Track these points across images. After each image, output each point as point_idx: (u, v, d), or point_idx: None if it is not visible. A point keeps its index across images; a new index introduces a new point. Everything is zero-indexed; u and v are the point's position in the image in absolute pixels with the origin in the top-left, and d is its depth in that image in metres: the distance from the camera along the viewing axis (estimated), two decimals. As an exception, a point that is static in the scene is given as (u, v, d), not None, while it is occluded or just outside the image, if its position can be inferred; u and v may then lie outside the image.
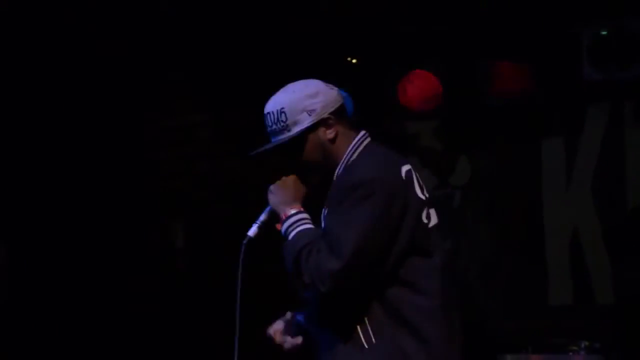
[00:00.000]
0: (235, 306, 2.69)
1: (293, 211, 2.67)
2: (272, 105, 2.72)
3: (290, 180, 2.73)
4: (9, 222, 4.95)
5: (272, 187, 2.74)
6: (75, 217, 6.01)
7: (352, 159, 2.69)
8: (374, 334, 2.55)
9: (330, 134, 2.68)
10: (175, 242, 6.32)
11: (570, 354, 4.63)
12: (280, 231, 2.70)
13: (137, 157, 6.41)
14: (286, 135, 2.68)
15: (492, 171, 5.84)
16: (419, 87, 5.52)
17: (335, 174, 2.70)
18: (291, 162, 2.72)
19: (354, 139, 2.72)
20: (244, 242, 2.72)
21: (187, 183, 6.28)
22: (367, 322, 2.56)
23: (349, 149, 2.70)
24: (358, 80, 5.71)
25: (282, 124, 2.69)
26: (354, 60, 5.71)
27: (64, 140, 6.03)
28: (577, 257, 5.54)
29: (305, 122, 2.67)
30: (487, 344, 5.47)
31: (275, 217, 2.74)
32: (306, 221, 2.65)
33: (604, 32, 5.11)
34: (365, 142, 2.73)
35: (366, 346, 2.55)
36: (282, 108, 2.69)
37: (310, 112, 2.68)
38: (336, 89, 2.76)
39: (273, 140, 2.71)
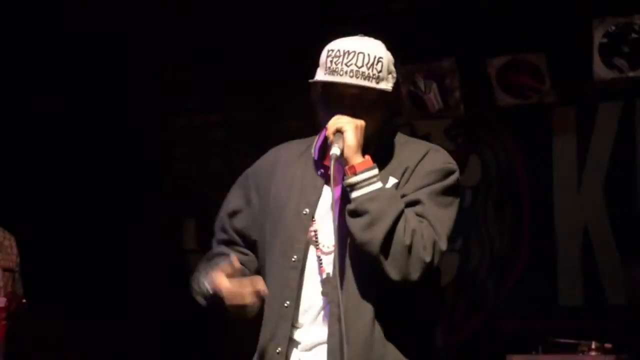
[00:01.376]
0: None
1: (372, 162, 2.43)
2: (367, 47, 2.51)
3: (362, 125, 2.47)
4: (23, 228, 4.97)
5: (346, 124, 2.45)
6: (88, 217, 6.03)
7: (398, 139, 2.57)
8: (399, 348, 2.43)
9: (396, 106, 2.59)
10: (187, 242, 6.33)
11: (581, 354, 4.63)
12: (343, 174, 2.42)
13: (151, 158, 6.42)
14: (378, 85, 2.48)
15: (503, 171, 5.83)
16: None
17: (376, 149, 2.51)
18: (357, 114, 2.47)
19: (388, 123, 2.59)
20: (333, 160, 2.41)
21: (200, 183, 6.29)
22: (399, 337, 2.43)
23: (395, 131, 2.60)
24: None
25: (375, 71, 2.49)
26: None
27: (78, 140, 6.05)
28: (587, 257, 5.53)
29: (389, 84, 2.51)
30: (497, 344, 5.47)
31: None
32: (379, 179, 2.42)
33: (615, 30, 5.09)
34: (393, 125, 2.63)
35: (408, 342, 2.44)
36: (380, 57, 2.51)
37: (393, 79, 2.54)
38: None
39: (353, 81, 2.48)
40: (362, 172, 2.41)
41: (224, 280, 2.47)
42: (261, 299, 2.47)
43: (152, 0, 5.41)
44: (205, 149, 6.43)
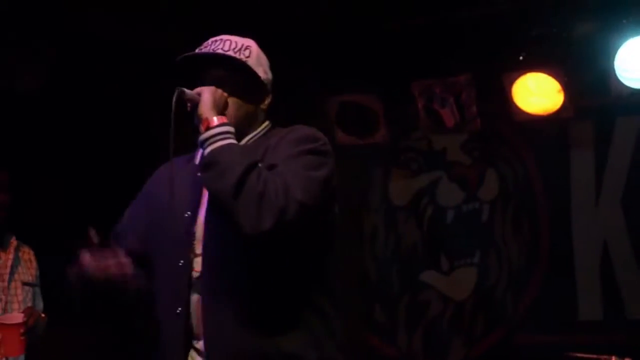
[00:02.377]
0: None
1: (227, 120, 2.42)
2: (234, 37, 2.58)
3: (222, 94, 2.49)
4: (40, 242, 4.99)
5: (205, 87, 2.47)
6: (101, 225, 6.04)
7: (263, 135, 2.58)
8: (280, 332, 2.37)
9: (265, 105, 2.60)
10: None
11: (600, 369, 4.59)
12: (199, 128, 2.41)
13: (154, 165, 6.43)
14: (243, 61, 2.52)
15: (520, 185, 5.82)
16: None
17: (252, 136, 2.56)
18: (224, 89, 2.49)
19: (263, 121, 2.62)
20: (176, 92, 2.44)
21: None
22: (279, 323, 2.38)
23: (261, 127, 2.60)
24: (385, 95, 5.73)
25: (243, 55, 2.54)
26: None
27: (85, 148, 6.07)
28: (607, 271, 5.50)
29: (262, 76, 2.56)
30: (516, 358, 5.45)
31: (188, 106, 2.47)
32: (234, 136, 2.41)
33: (633, 45, 5.08)
34: (271, 127, 2.64)
35: (285, 327, 2.38)
36: (249, 46, 2.58)
37: (266, 72, 2.60)
38: None
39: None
40: (215, 127, 2.39)
41: (86, 256, 2.50)
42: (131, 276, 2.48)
43: (166, 13, 5.44)
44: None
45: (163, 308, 2.50)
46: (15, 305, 4.44)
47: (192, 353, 2.46)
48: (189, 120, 2.52)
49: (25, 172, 5.58)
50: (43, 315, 4.55)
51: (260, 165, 2.33)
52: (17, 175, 4.78)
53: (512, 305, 5.72)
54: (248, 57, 2.55)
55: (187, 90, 2.47)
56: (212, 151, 2.35)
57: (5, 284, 4.47)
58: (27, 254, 4.66)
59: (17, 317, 4.27)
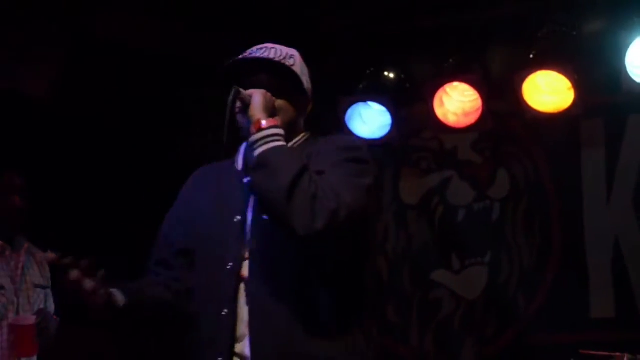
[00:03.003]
0: None
1: (278, 122, 2.45)
2: (278, 46, 2.61)
3: (272, 98, 2.52)
4: (48, 239, 5.01)
5: (256, 90, 2.50)
6: (109, 236, 6.06)
7: (311, 138, 2.63)
8: (330, 331, 2.40)
9: (305, 114, 2.65)
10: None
11: (613, 367, 4.58)
12: (250, 129, 2.42)
13: (165, 175, 6.44)
14: (290, 67, 2.57)
15: (531, 184, 5.81)
16: (457, 100, 5.51)
17: (295, 142, 2.59)
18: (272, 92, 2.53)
19: (302, 130, 2.67)
20: (234, 91, 2.47)
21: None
22: (328, 324, 2.40)
23: (300, 136, 2.64)
24: (395, 95, 5.72)
25: (288, 64, 2.57)
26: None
27: (93, 157, 6.08)
28: (619, 269, 5.48)
29: (306, 84, 2.62)
30: (529, 358, 5.44)
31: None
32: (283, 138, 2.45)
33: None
34: (309, 136, 2.68)
35: (331, 332, 2.40)
36: (293, 55, 2.62)
37: (308, 81, 2.64)
38: None
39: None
40: (267, 128, 2.40)
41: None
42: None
43: (172, 19, 5.46)
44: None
45: (205, 309, 2.50)
46: (27, 307, 4.46)
47: (234, 357, 2.47)
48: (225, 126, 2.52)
49: (39, 176, 5.60)
50: (55, 317, 4.56)
51: (309, 169, 2.36)
52: (31, 179, 4.80)
53: (524, 304, 5.71)
54: (293, 65, 2.58)
55: (242, 90, 2.50)
56: (263, 152, 2.37)
57: (17, 286, 4.48)
58: (39, 256, 4.68)
59: (29, 318, 4.28)
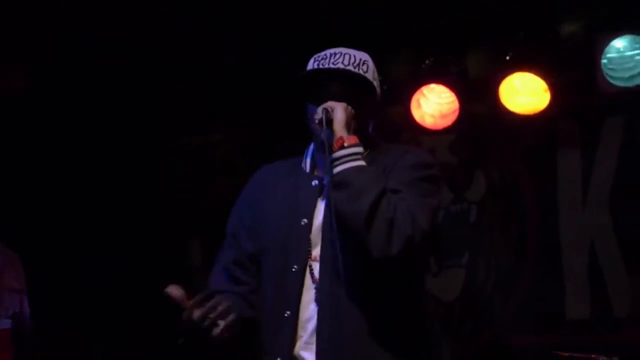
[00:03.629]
0: None
1: (358, 140, 2.48)
2: (352, 51, 2.61)
3: (352, 111, 2.54)
4: (26, 242, 4.98)
5: (336, 103, 2.51)
6: (93, 236, 6.03)
7: (381, 145, 2.65)
8: (395, 340, 2.44)
9: (379, 116, 2.69)
10: (192, 260, 6.34)
11: (589, 368, 4.60)
12: (331, 147, 2.44)
13: (154, 176, 6.43)
14: (365, 76, 2.58)
15: (508, 185, 5.83)
16: (434, 102, 5.51)
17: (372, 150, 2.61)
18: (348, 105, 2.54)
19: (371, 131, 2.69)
20: (324, 113, 2.49)
21: (204, 201, 6.29)
22: (393, 331, 2.44)
23: (374, 137, 2.67)
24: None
25: (362, 70, 2.57)
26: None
27: (82, 159, 6.06)
28: (594, 271, 5.51)
29: (378, 89, 2.62)
30: (505, 358, 5.45)
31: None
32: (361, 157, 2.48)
33: (619, 43, 5.10)
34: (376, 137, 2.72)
35: (396, 346, 2.44)
36: (366, 60, 2.62)
37: (378, 86, 2.65)
38: None
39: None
40: (349, 146, 2.44)
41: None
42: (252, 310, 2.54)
43: (154, 20, 5.43)
44: (208, 167, 6.44)
45: (269, 309, 2.54)
46: (2, 312, 4.43)
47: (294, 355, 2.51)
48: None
49: (13, 176, 5.56)
50: (30, 321, 4.53)
51: (388, 191, 2.39)
52: (4, 179, 4.77)
53: (500, 305, 5.72)
54: (366, 72, 2.59)
55: (328, 108, 2.51)
56: (344, 171, 2.40)
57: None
58: (14, 259, 4.64)
59: (3, 323, 4.25)
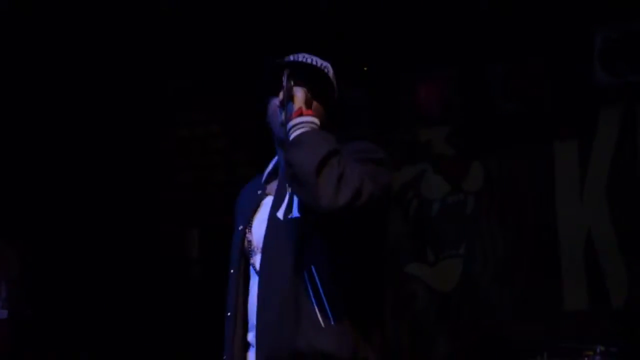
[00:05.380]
0: None
1: (310, 113, 2.59)
2: (314, 57, 2.73)
3: (311, 100, 2.65)
4: (23, 233, 4.98)
5: (300, 87, 2.63)
6: (90, 227, 6.04)
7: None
8: (335, 317, 2.49)
9: (331, 125, 2.68)
10: (190, 252, 6.34)
11: (586, 359, 4.62)
12: (286, 116, 2.58)
13: (153, 168, 6.44)
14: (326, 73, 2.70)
15: (505, 177, 5.84)
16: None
17: None
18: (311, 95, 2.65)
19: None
20: (287, 73, 2.62)
21: (203, 193, 6.30)
22: (332, 311, 2.50)
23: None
24: (370, 87, 5.73)
25: (324, 70, 2.71)
26: (365, 68, 5.73)
27: (79, 150, 6.06)
28: (591, 261, 5.53)
29: (336, 94, 2.73)
30: (502, 350, 5.47)
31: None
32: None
33: (615, 35, 5.11)
34: None
35: (323, 325, 2.49)
36: (327, 66, 2.74)
37: (336, 92, 2.74)
38: None
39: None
40: (307, 115, 2.56)
41: None
42: None
43: (153, 12, 5.43)
44: (207, 159, 6.44)
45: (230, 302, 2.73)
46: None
47: (248, 346, 2.66)
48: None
49: (11, 171, 5.56)
50: (28, 311, 4.54)
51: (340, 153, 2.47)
52: (3, 173, 4.77)
53: (498, 296, 5.74)
54: (327, 73, 2.72)
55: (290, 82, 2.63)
56: (301, 133, 2.51)
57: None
58: (10, 251, 4.65)
59: (0, 313, 4.26)
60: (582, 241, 5.57)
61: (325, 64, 2.75)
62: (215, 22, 5.51)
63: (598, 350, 4.59)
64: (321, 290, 2.50)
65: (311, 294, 2.50)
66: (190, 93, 6.37)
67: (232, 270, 2.73)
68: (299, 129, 2.52)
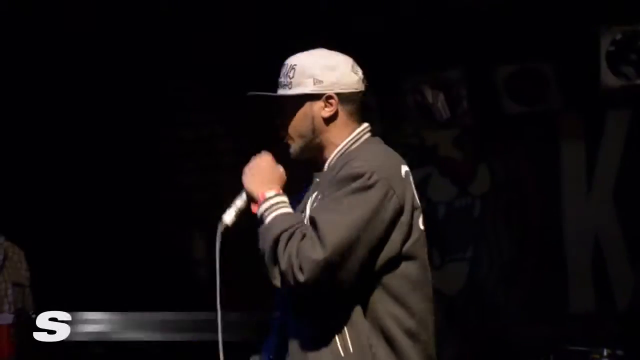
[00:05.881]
0: (215, 300, 2.54)
1: (271, 193, 2.47)
2: (290, 59, 2.57)
3: (265, 160, 2.55)
4: (29, 235, 4.98)
5: (246, 168, 2.55)
6: (96, 229, 6.04)
7: (350, 149, 2.53)
8: (352, 343, 2.38)
9: (326, 112, 2.52)
10: (195, 252, 6.35)
11: (592, 362, 4.61)
12: (256, 215, 2.48)
13: (157, 169, 6.44)
14: (284, 92, 2.54)
15: (512, 179, 5.83)
16: None
17: (328, 162, 2.54)
18: (275, 124, 2.56)
19: (354, 130, 2.55)
20: (220, 229, 2.52)
21: (207, 194, 6.30)
22: (346, 330, 2.39)
23: (348, 139, 2.54)
24: (378, 90, 5.72)
25: (288, 79, 2.54)
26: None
27: (83, 152, 6.07)
28: (598, 263, 5.51)
29: (307, 88, 2.52)
30: (508, 353, 5.46)
31: (250, 202, 2.52)
32: (284, 205, 2.46)
33: (622, 38, 5.10)
34: (365, 136, 2.57)
35: (342, 354, 2.38)
36: (295, 65, 2.55)
37: (316, 82, 2.53)
38: (362, 76, 2.59)
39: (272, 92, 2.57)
40: (261, 204, 2.47)
41: None
42: None
43: (158, 15, 5.44)
44: (211, 160, 6.44)
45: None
46: (5, 307, 4.43)
47: None
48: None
49: (13, 172, 5.56)
50: (34, 316, 4.53)
51: (286, 232, 2.39)
52: (7, 176, 4.77)
53: (504, 298, 5.73)
54: (292, 77, 2.55)
55: (228, 217, 2.55)
56: (259, 230, 2.46)
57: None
58: (17, 254, 4.65)
59: (6, 318, 4.26)
60: (588, 243, 5.56)
61: (294, 62, 2.55)
62: (213, 23, 5.51)
63: (604, 352, 4.57)
64: (340, 318, 2.41)
65: (331, 318, 2.41)
66: (195, 95, 6.37)
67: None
68: (262, 222, 2.46)
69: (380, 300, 2.42)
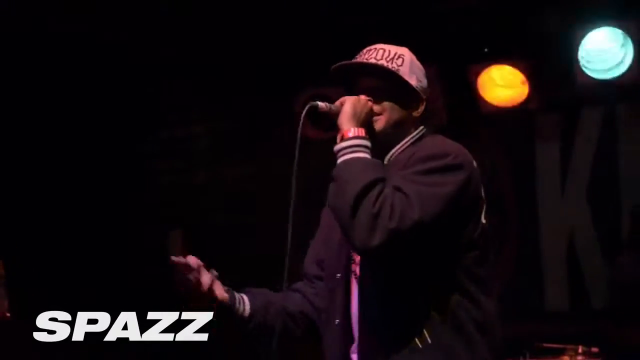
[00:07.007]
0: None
1: (363, 133, 2.46)
2: (388, 46, 2.61)
3: (367, 103, 2.53)
4: (7, 234, 4.95)
5: (348, 97, 2.53)
6: (74, 227, 6.01)
7: (416, 141, 2.59)
8: (429, 336, 2.40)
9: (417, 113, 2.61)
10: (173, 252, 6.32)
11: (567, 359, 4.63)
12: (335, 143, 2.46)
13: (136, 168, 6.42)
14: (395, 71, 2.56)
15: (487, 177, 5.83)
16: None
17: (392, 153, 2.57)
18: (373, 102, 2.54)
19: (417, 127, 2.63)
20: (307, 107, 2.51)
21: (186, 193, 6.28)
22: (424, 328, 2.40)
23: (414, 133, 2.61)
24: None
25: (396, 64, 2.57)
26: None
27: (62, 151, 6.03)
28: (573, 262, 5.54)
29: (414, 82, 2.59)
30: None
31: (328, 118, 2.51)
32: (370, 152, 2.44)
33: (597, 37, 5.12)
34: (426, 132, 2.65)
35: (420, 346, 2.39)
36: (402, 55, 2.61)
37: (418, 82, 2.61)
38: None
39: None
40: (349, 139, 2.44)
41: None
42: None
43: (137, 16, 5.41)
44: (189, 160, 6.42)
45: (325, 320, 2.62)
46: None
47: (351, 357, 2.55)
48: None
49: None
50: (7, 315, 4.50)
51: (382, 182, 2.35)
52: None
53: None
54: (400, 65, 2.59)
55: (321, 104, 2.53)
56: (338, 165, 2.42)
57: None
58: None
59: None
60: (563, 242, 5.58)
61: (400, 52, 2.60)
62: (193, 22, 5.49)
63: (579, 350, 4.60)
64: (415, 296, 2.42)
65: (407, 312, 2.42)
66: (173, 95, 6.35)
67: (339, 274, 2.56)
68: (340, 157, 2.42)
69: (451, 290, 2.44)
